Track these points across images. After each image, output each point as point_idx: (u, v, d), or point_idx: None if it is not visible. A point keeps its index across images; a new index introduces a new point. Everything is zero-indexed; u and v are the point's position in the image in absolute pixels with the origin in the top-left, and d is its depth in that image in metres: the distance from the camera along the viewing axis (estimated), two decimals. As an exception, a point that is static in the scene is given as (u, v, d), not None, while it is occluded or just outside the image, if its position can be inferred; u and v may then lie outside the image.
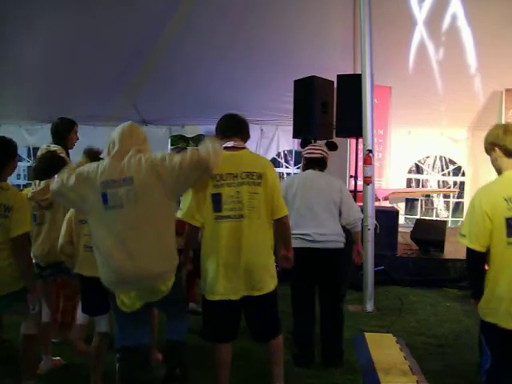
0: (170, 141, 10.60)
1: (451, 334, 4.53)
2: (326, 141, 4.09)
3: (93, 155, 2.92)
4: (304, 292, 3.74)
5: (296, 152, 10.29)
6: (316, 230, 3.60)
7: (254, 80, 8.36)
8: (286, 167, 10.39)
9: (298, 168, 10.41)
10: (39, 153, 3.64)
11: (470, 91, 8.65)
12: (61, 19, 7.04)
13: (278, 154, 10.14)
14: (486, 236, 2.46)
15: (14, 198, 2.82)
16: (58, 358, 3.67)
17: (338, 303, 3.82)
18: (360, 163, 5.78)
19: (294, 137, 6.57)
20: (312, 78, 5.77)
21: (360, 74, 5.27)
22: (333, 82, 6.01)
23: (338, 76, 5.93)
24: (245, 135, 2.98)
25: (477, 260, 2.53)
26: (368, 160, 5.17)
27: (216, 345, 2.93)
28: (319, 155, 3.81)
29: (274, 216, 2.87)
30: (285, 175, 10.06)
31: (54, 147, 3.69)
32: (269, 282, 2.87)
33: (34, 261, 3.26)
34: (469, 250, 2.53)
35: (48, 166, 3.34)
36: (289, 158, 10.68)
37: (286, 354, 3.65)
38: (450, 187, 10.04)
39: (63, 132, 3.93)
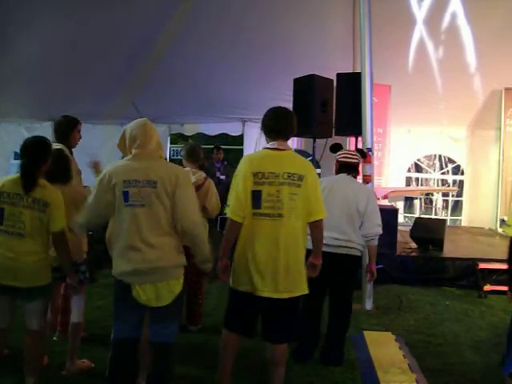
0: (169, 139, 10.61)
1: (450, 332, 4.54)
2: (356, 148, 4.10)
3: None
4: (313, 293, 3.63)
5: (295, 151, 10.26)
6: (331, 233, 3.51)
7: (253, 79, 8.35)
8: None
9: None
10: None
11: (469, 90, 8.66)
12: (61, 19, 7.03)
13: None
14: None
15: (50, 195, 2.91)
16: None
17: (347, 308, 3.81)
18: (359, 162, 5.78)
19: (293, 135, 6.54)
20: (311, 76, 5.74)
21: (360, 73, 5.27)
22: (332, 80, 5.98)
23: (338, 74, 5.90)
24: (289, 135, 3.06)
25: None
26: (367, 158, 5.17)
27: (228, 335, 2.95)
28: (356, 161, 3.90)
29: (311, 218, 2.86)
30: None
31: (56, 145, 3.67)
32: (302, 285, 2.88)
33: None
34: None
35: (54, 167, 3.19)
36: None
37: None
38: (449, 186, 10.04)
39: (66, 130, 3.87)
